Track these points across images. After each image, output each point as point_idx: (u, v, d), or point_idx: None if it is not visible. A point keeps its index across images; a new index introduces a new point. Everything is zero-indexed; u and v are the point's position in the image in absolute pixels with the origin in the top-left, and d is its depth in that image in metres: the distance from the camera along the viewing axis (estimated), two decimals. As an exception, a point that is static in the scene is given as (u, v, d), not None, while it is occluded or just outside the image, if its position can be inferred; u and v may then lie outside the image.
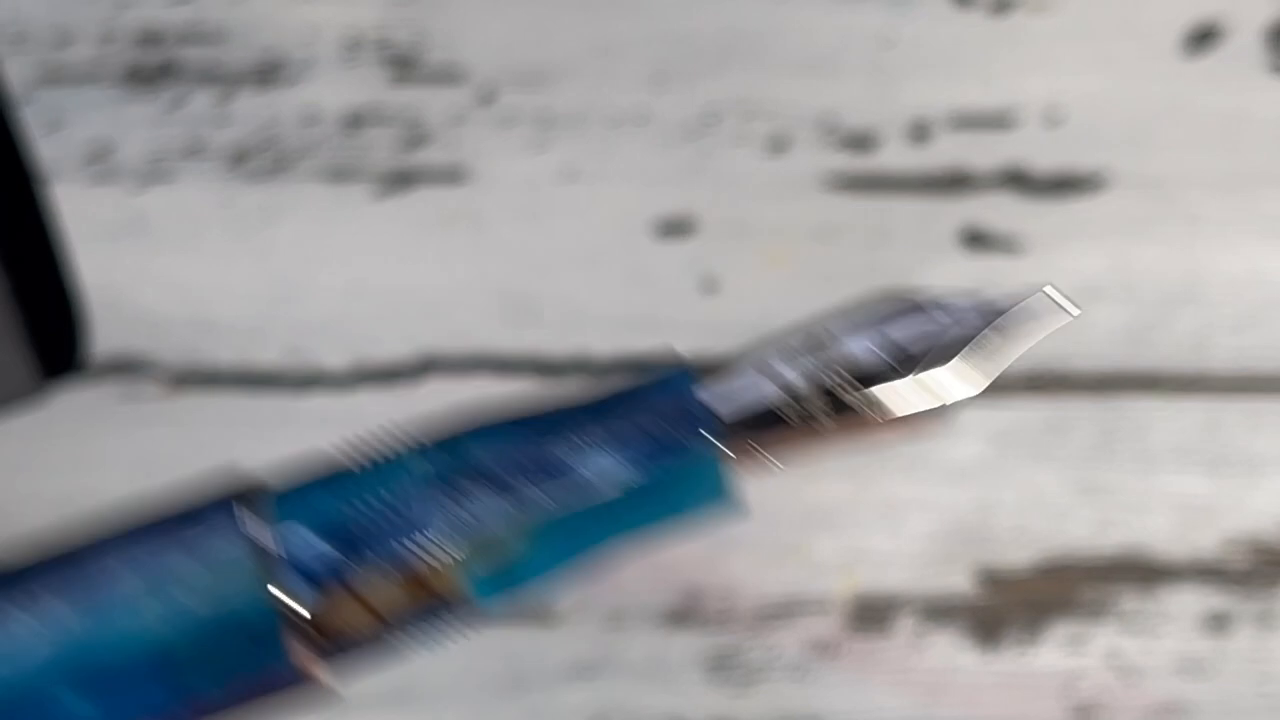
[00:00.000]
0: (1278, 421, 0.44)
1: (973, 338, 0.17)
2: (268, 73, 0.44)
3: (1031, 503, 0.44)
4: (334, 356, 0.44)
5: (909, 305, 0.17)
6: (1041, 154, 0.44)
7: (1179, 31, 0.44)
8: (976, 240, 0.44)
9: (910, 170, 0.44)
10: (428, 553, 0.17)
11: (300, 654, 0.17)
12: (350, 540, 0.17)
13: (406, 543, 0.17)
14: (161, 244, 0.44)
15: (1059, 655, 0.44)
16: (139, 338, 0.44)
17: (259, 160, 0.44)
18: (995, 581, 0.44)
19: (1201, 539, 0.44)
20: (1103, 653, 0.44)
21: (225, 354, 0.44)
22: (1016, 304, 0.17)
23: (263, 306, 0.44)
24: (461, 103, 0.44)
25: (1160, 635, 0.44)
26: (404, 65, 0.45)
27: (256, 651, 0.16)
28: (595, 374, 0.44)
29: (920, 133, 0.44)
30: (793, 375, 0.17)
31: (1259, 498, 0.44)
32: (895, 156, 0.44)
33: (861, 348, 0.17)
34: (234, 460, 0.19)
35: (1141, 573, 0.44)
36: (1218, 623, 0.44)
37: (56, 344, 0.37)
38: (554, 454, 0.17)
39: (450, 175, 0.44)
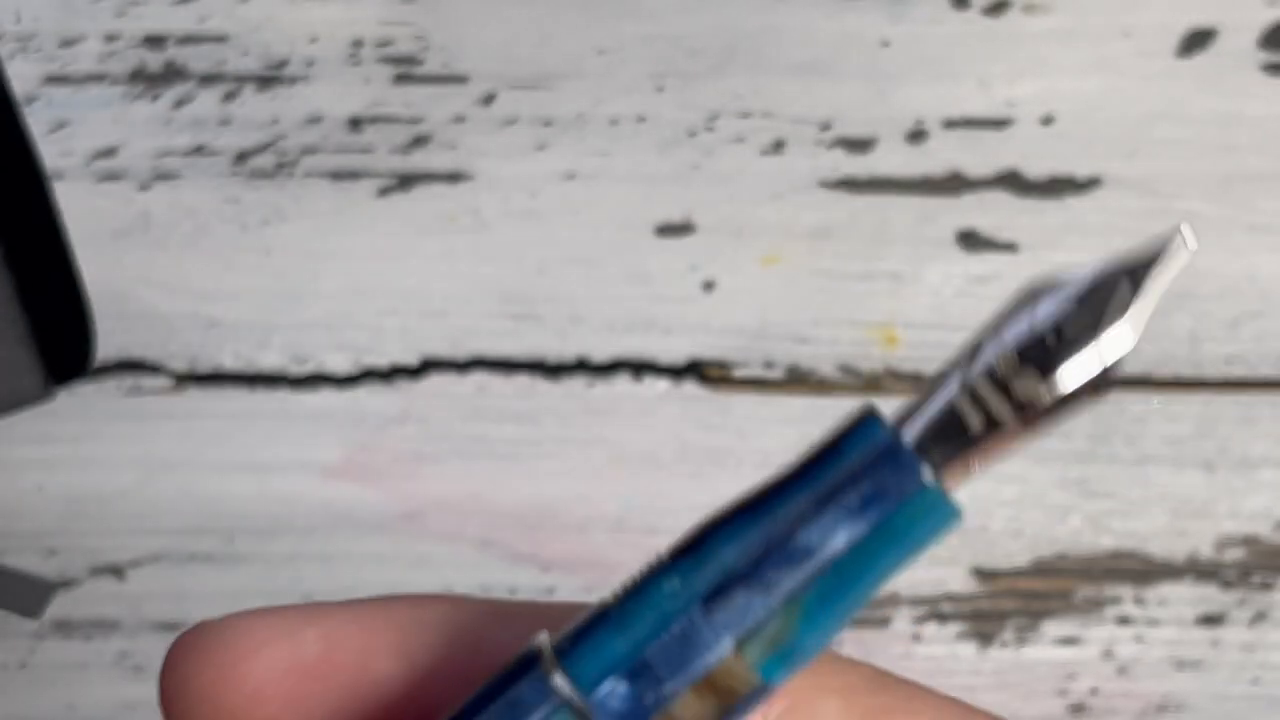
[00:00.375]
0: (1273, 420, 0.44)
1: (1117, 299, 0.18)
2: (270, 74, 0.45)
3: (1028, 501, 0.45)
4: (335, 355, 0.45)
5: (1049, 286, 0.18)
6: (1037, 154, 0.44)
7: (1174, 34, 0.45)
8: (972, 240, 0.44)
9: (907, 170, 0.44)
10: (715, 661, 0.18)
11: None
12: (645, 673, 0.18)
13: (694, 659, 0.18)
14: (165, 243, 0.44)
15: (1055, 651, 0.44)
16: (143, 336, 0.44)
17: (261, 160, 0.44)
18: (992, 578, 0.44)
19: (1196, 537, 0.44)
20: (1098, 649, 0.44)
21: (228, 352, 0.44)
22: (1147, 254, 0.18)
23: (265, 305, 0.44)
24: (462, 103, 0.45)
25: (1155, 632, 0.44)
26: (405, 66, 0.45)
27: None
28: (595, 373, 0.44)
29: (917, 133, 0.45)
30: (968, 384, 0.18)
31: (1254, 497, 0.44)
32: (892, 157, 0.44)
33: (1019, 339, 0.18)
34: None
35: (1137, 570, 0.44)
36: (1212, 620, 0.44)
37: (63, 348, 0.37)
38: (787, 533, 0.18)
39: (451, 175, 0.45)
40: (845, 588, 0.18)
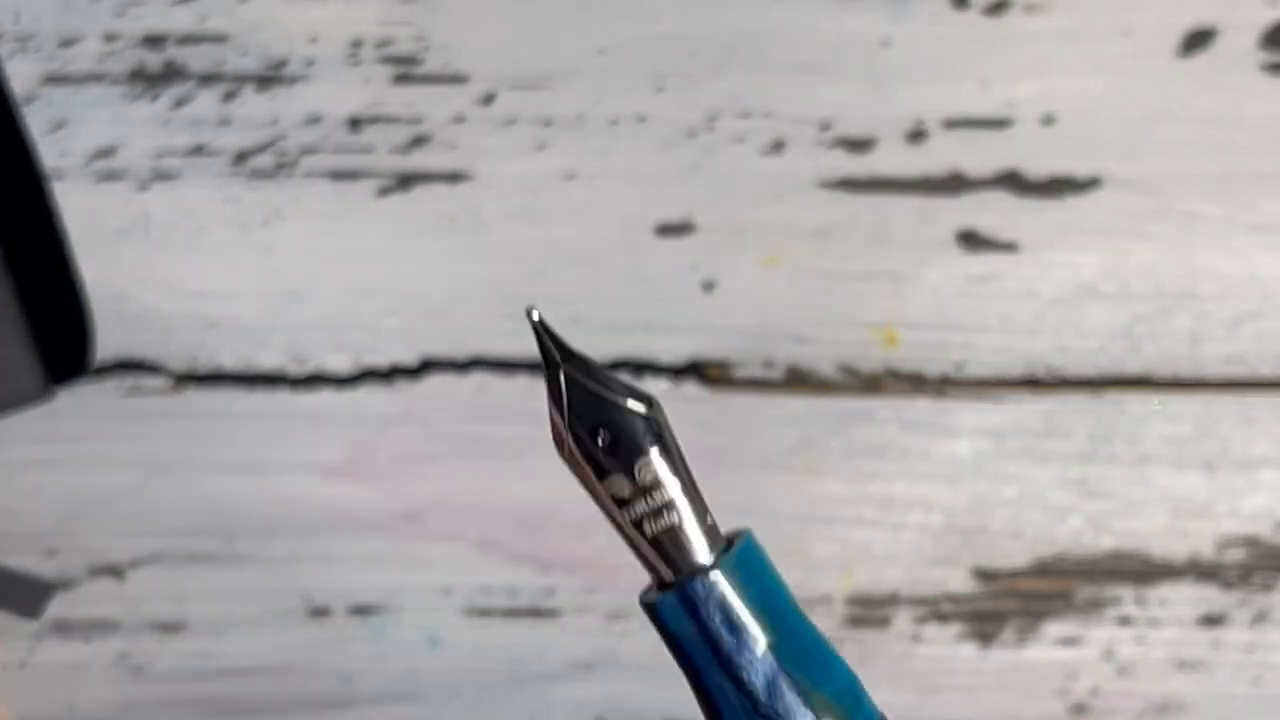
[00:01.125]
0: (1273, 420, 0.44)
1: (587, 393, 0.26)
2: (270, 74, 0.45)
3: (1028, 501, 0.45)
4: (335, 354, 0.45)
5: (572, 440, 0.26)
6: (1037, 154, 0.44)
7: (1174, 33, 0.45)
8: (972, 240, 0.44)
9: (907, 170, 0.44)
10: None
11: None
12: None
13: None
14: (165, 243, 0.45)
15: (1055, 652, 0.44)
16: (143, 336, 0.44)
17: (261, 160, 0.44)
18: (992, 579, 0.44)
19: (1197, 537, 0.44)
20: (1099, 650, 0.44)
21: (228, 352, 0.44)
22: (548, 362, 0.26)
23: (265, 305, 0.44)
24: (462, 103, 0.45)
25: (1156, 632, 0.44)
26: (405, 66, 0.45)
27: None
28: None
29: (917, 133, 0.45)
30: (632, 521, 0.24)
31: (1254, 497, 0.44)
32: (892, 157, 0.44)
33: (612, 478, 0.25)
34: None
35: (1137, 571, 0.44)
36: (1213, 620, 0.44)
37: (63, 348, 0.37)
38: (747, 694, 0.23)
39: (451, 175, 0.45)
40: (797, 650, 0.23)
